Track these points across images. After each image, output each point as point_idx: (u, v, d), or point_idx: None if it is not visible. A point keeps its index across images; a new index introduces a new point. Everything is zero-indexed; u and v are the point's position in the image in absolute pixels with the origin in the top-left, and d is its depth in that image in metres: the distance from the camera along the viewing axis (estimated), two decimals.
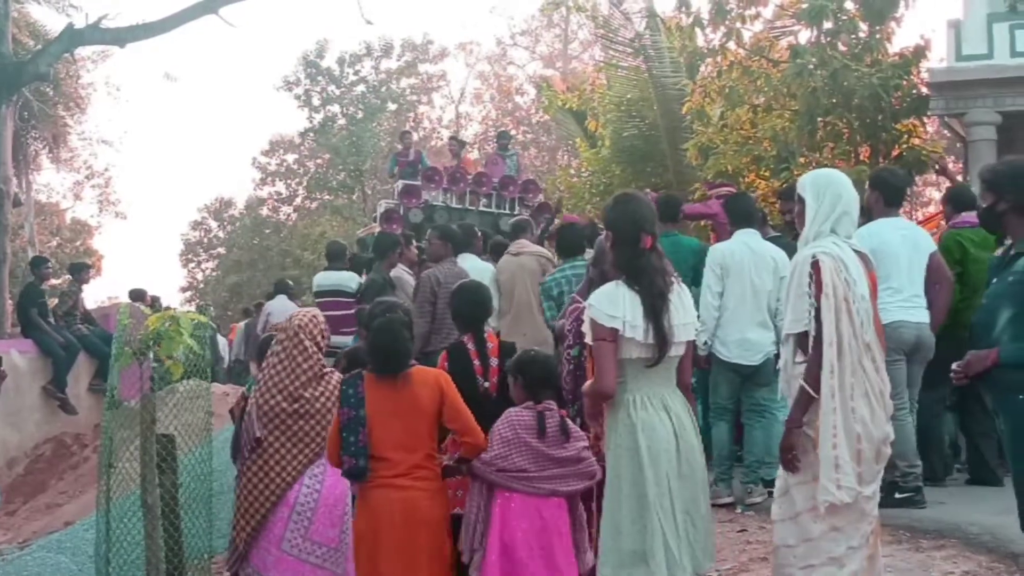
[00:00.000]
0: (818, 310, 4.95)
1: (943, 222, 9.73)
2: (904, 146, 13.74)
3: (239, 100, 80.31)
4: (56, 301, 17.32)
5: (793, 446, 5.05)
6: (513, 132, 41.90)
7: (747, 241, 8.63)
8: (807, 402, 4.99)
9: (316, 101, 40.84)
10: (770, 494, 7.93)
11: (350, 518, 6.09)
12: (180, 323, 5.83)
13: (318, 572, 6.01)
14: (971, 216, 8.81)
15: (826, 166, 13.14)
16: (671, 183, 17.98)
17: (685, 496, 5.04)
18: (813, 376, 4.96)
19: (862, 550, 5.00)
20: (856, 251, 5.18)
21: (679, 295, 5.15)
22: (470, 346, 6.22)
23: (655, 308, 4.99)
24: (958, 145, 18.50)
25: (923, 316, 8.05)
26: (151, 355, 5.91)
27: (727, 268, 8.54)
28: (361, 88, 41.22)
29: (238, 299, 37.45)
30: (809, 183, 5.33)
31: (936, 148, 14.63)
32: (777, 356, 8.04)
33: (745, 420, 8.72)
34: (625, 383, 5.06)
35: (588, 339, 5.15)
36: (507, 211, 16.77)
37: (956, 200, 9.39)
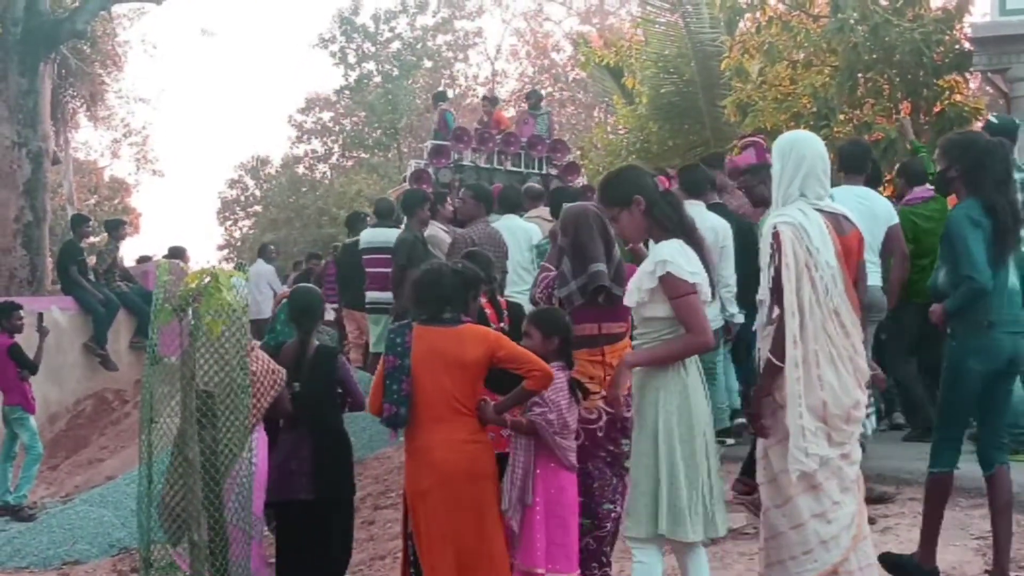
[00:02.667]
0: (779, 280, 5.00)
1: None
2: (946, 102, 13.57)
3: (275, 57, 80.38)
4: (95, 259, 17.48)
5: (762, 414, 5.18)
6: (549, 89, 41.73)
7: (691, 212, 8.64)
8: (774, 371, 5.09)
9: (352, 58, 40.79)
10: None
11: None
12: (219, 280, 5.84)
13: None
14: (923, 190, 9.18)
15: (867, 123, 13.06)
16: (708, 140, 17.90)
17: (714, 457, 5.21)
18: (778, 346, 5.05)
19: (847, 506, 5.08)
20: (829, 212, 5.20)
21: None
22: (487, 311, 6.54)
23: (705, 261, 5.22)
24: (1000, 102, 18.23)
25: (875, 279, 8.21)
26: (190, 311, 5.93)
27: None
28: (397, 45, 41.12)
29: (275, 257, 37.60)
30: (774, 147, 5.40)
31: (978, 104, 14.43)
32: (725, 326, 8.73)
33: None
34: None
35: (653, 297, 5.15)
36: (536, 171, 16.90)
37: (909, 174, 9.71)
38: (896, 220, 8.45)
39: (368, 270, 12.73)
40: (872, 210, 8.27)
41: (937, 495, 5.97)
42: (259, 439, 6.27)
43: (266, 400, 6.36)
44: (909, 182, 9.58)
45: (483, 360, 5.55)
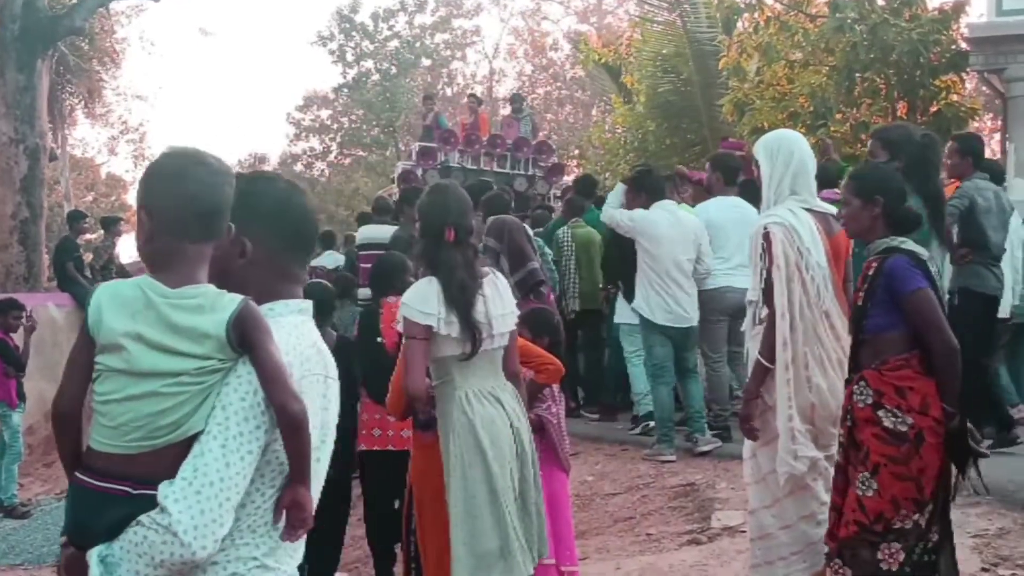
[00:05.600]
0: (770, 282, 4.98)
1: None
2: (942, 102, 13.60)
3: (273, 55, 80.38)
4: (91, 256, 17.45)
5: (751, 416, 5.17)
6: (547, 88, 41.73)
7: (666, 210, 9.02)
8: (763, 373, 5.10)
9: (350, 56, 40.81)
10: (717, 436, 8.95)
11: None
12: None
13: None
14: (831, 193, 9.41)
15: (864, 122, 13.08)
16: (706, 139, 17.91)
17: (523, 488, 4.96)
18: (768, 348, 5.05)
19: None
20: (819, 212, 5.20)
21: (494, 284, 5.00)
22: (381, 311, 7.00)
23: (457, 301, 4.82)
24: (996, 102, 18.29)
25: (747, 282, 8.44)
26: None
27: (645, 231, 9.02)
28: (395, 43, 41.12)
29: None
30: (761, 146, 5.40)
31: (975, 104, 14.47)
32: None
33: (679, 380, 9.22)
34: (453, 380, 4.91)
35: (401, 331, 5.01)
36: (521, 172, 17.01)
37: (820, 179, 9.83)
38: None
39: (363, 266, 12.76)
40: (745, 217, 8.69)
41: None
42: None
43: None
44: (820, 185, 9.87)
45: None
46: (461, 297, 4.82)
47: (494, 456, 4.84)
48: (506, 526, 4.83)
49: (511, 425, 4.92)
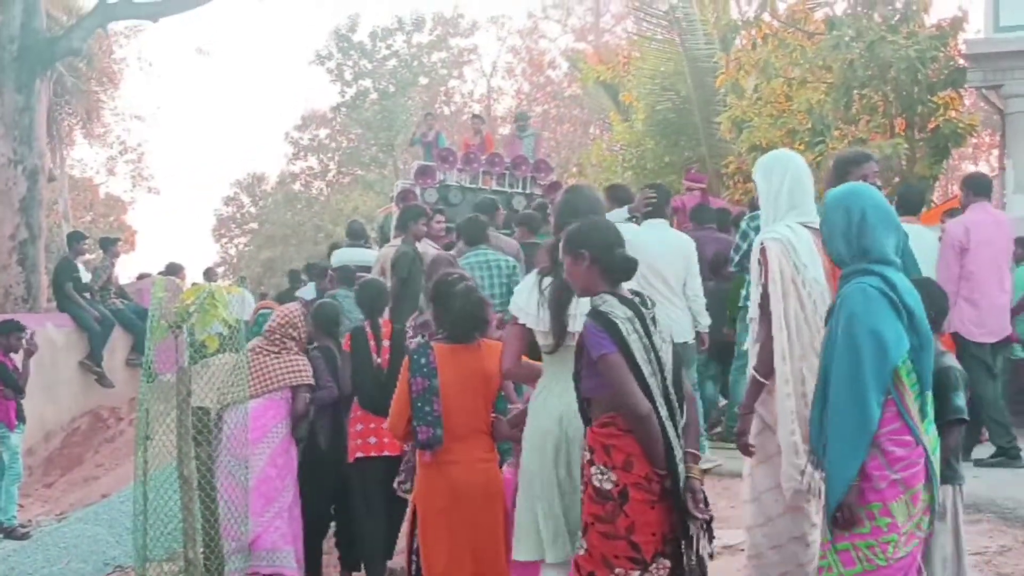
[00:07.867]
0: (766, 297, 4.98)
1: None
2: (940, 119, 13.61)
3: (271, 75, 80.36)
4: (90, 277, 17.43)
5: (746, 431, 5.19)
6: (545, 106, 41.80)
7: (656, 228, 8.92)
8: (757, 388, 5.12)
9: (348, 75, 40.87)
10: None
11: None
12: (216, 297, 5.83)
13: None
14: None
15: (862, 139, 13.09)
16: (704, 157, 17.93)
17: (567, 488, 4.90)
18: (763, 363, 5.07)
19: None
20: (818, 229, 5.20)
21: None
22: (368, 330, 7.81)
23: (557, 298, 4.85)
24: (995, 117, 18.30)
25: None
26: (186, 328, 5.92)
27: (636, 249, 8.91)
28: (393, 62, 41.19)
29: (271, 274, 37.67)
30: (759, 166, 5.47)
31: (973, 121, 14.47)
32: (698, 336, 8.92)
33: None
34: (545, 368, 5.06)
35: None
36: (520, 190, 16.99)
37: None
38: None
39: None
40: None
41: None
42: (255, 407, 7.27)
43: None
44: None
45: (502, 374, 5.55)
46: (562, 295, 4.84)
47: (531, 444, 4.97)
48: (522, 510, 4.99)
49: (559, 419, 4.88)
